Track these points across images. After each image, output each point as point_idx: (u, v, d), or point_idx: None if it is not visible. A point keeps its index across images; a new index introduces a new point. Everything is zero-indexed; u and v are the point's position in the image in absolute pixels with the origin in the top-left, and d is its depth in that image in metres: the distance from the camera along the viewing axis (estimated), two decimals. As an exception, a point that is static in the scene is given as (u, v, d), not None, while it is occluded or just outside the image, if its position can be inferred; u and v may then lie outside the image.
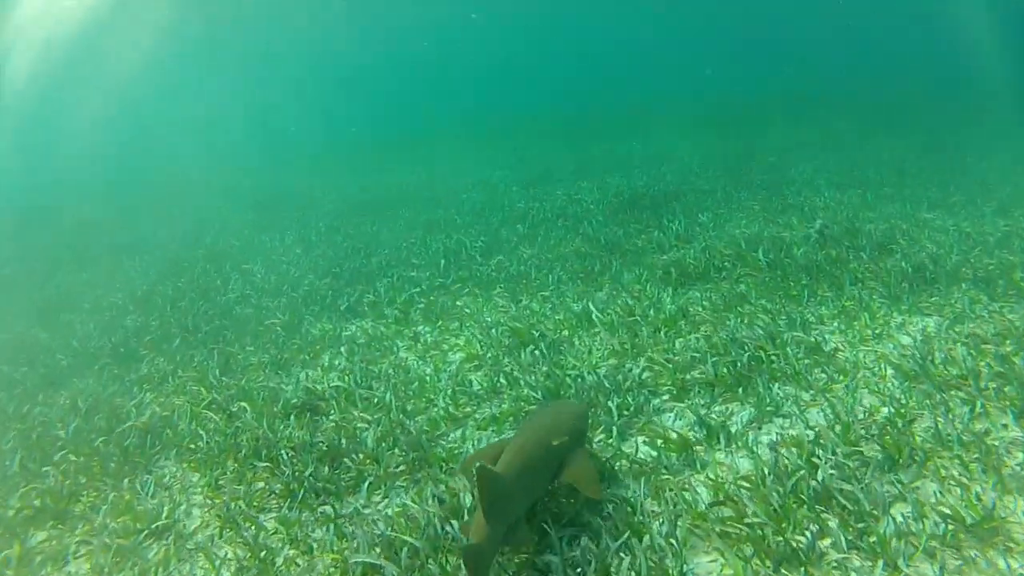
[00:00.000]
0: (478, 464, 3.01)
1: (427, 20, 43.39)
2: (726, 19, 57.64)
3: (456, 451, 4.76)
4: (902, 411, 4.47)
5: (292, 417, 5.59)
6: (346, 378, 6.18)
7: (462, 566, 3.20)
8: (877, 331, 5.83)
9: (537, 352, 6.00)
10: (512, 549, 3.45)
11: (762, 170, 14.27)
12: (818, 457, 4.01)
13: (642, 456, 4.35)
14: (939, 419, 4.31)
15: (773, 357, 5.35)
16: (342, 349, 6.96)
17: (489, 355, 6.20)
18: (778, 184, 12.59)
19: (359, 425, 5.29)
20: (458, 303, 7.90)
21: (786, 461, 4.02)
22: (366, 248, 11.18)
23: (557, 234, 10.08)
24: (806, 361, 5.32)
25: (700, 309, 6.62)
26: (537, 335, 6.28)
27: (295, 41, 49.13)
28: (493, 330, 6.65)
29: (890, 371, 5.09)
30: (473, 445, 4.84)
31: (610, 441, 4.55)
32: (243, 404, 5.89)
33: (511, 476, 3.23)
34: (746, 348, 5.48)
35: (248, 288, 9.81)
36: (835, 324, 6.06)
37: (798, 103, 27.95)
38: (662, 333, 6.06)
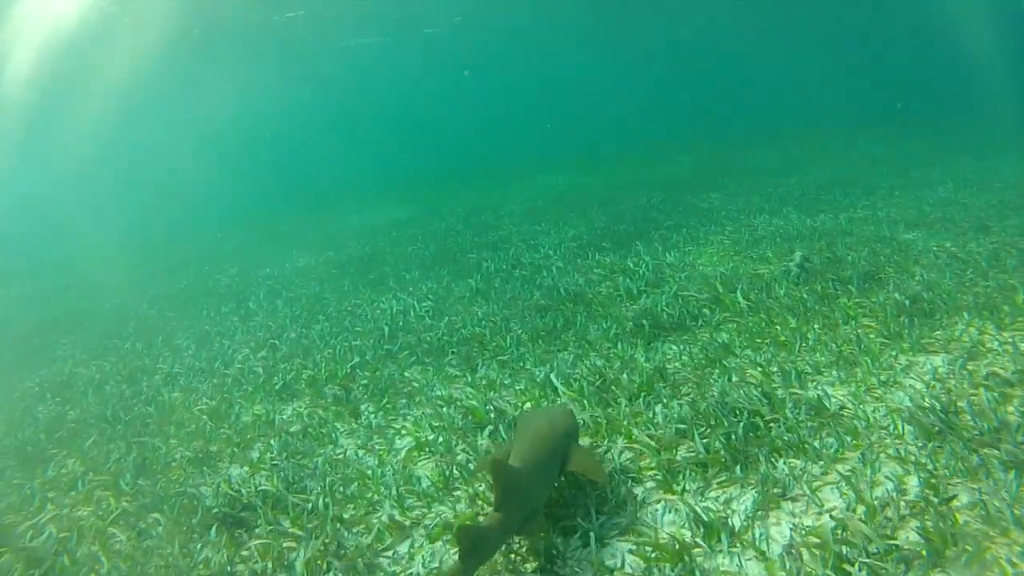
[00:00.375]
0: (491, 457, 3.31)
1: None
2: (685, 59, 59.00)
3: (402, 575, 3.90)
4: (933, 482, 3.75)
5: (212, 531, 4.68)
6: (275, 479, 5.29)
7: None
8: (883, 377, 5.17)
9: (501, 430, 5.18)
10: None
11: (725, 201, 13.84)
12: (848, 561, 3.24)
13: (629, 570, 3.54)
14: (983, 491, 3.59)
15: (771, 423, 4.61)
16: (272, 442, 6.05)
17: (441, 439, 5.36)
18: (744, 213, 12.14)
19: (287, 544, 4.40)
20: (406, 374, 7.06)
21: (809, 570, 3.25)
22: (308, 313, 10.32)
23: (514, 286, 9.34)
24: (810, 424, 4.60)
25: (680, 366, 5.89)
26: (494, 413, 5.46)
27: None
28: (445, 408, 5.81)
29: (908, 428, 4.39)
30: (423, 562, 3.98)
31: (587, 552, 3.73)
32: (156, 516, 4.97)
33: (525, 470, 3.42)
34: (739, 414, 4.73)
35: (178, 366, 8.89)
36: (834, 373, 5.37)
37: (758, 131, 28.15)
38: (640, 400, 5.29)
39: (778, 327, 6.31)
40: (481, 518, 3.59)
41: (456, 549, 3.11)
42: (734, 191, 14.89)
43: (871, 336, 5.93)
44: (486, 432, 5.21)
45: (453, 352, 7.22)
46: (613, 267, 9.34)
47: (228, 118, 53.33)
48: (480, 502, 4.44)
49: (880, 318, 6.22)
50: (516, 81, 64.36)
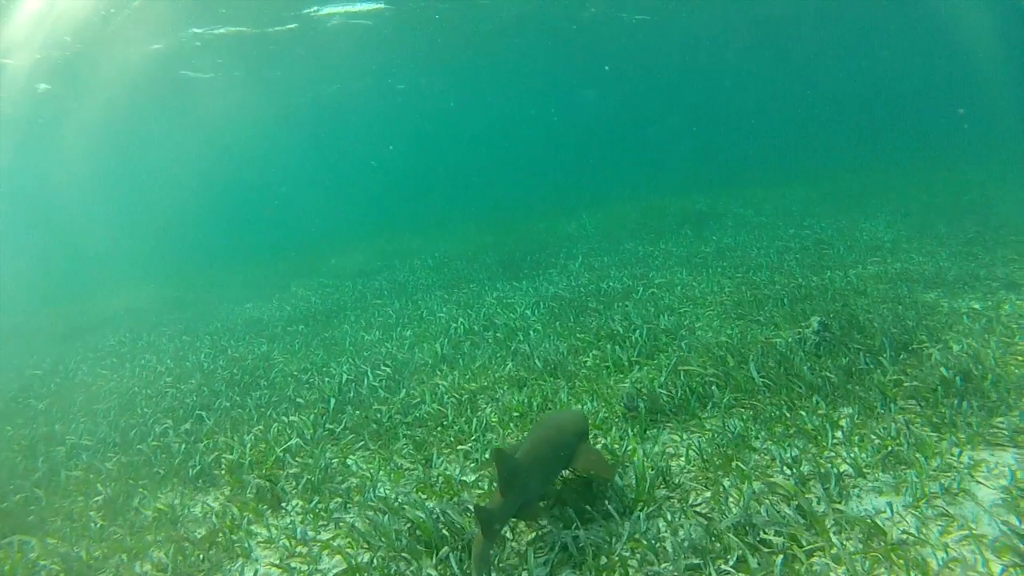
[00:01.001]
0: (495, 446, 4.27)
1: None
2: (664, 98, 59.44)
3: None
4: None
5: None
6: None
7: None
8: (944, 482, 4.12)
9: (452, 560, 4.02)
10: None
11: (719, 255, 12.96)
12: None
13: None
14: None
15: (815, 558, 3.52)
16: (166, 554, 4.83)
17: (377, 562, 4.19)
18: (741, 268, 11.21)
19: None
20: (348, 462, 5.91)
21: None
22: (249, 377, 9.14)
23: (485, 352, 8.24)
24: (863, 560, 3.51)
25: (685, 463, 4.79)
26: (447, 531, 4.30)
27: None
28: (386, 518, 4.64)
29: (997, 567, 3.33)
30: None
31: None
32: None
33: (526, 462, 3.91)
34: (771, 544, 3.64)
35: (88, 437, 7.72)
36: (881, 476, 4.31)
37: (742, 178, 27.66)
38: (638, 513, 4.18)
39: (803, 412, 5.26)
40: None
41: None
42: (728, 245, 14.01)
43: (917, 423, 4.90)
44: (436, 557, 4.04)
45: (406, 435, 6.07)
46: (599, 331, 8.28)
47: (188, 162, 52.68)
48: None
49: (926, 400, 5.20)
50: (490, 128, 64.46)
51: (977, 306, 7.96)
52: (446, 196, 48.57)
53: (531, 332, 8.77)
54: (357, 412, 6.94)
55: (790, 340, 6.88)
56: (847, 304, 8.19)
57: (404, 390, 7.30)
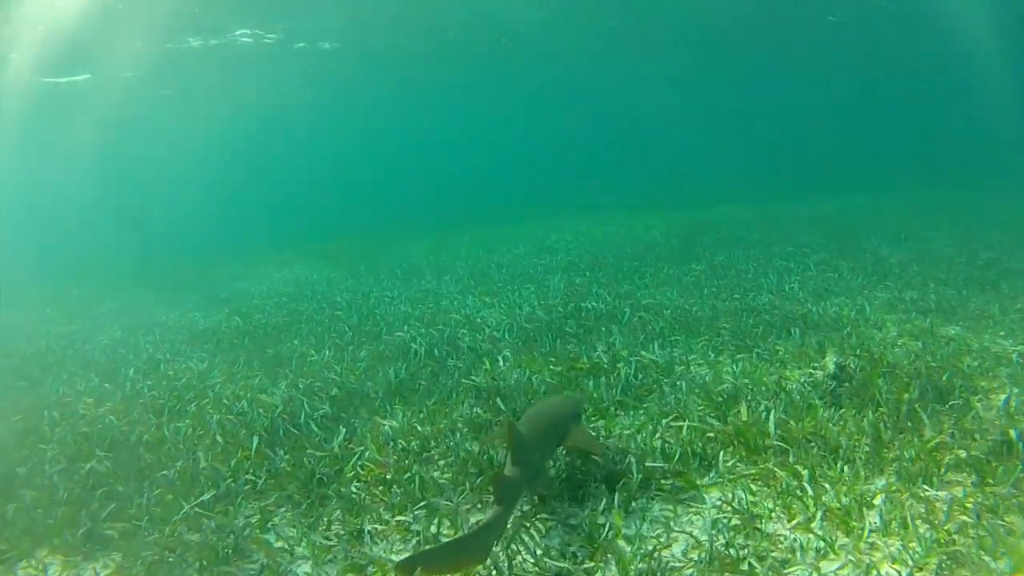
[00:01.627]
0: (507, 421, 4.16)
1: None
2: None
3: None
4: None
5: None
6: None
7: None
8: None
9: None
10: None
11: (712, 273, 12.07)
12: None
13: None
14: None
15: None
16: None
17: None
18: (739, 290, 10.34)
19: None
20: (271, 525, 4.87)
21: None
22: (177, 402, 8.05)
23: (446, 384, 7.22)
24: None
25: (688, 551, 3.82)
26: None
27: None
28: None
29: None
30: None
31: None
32: None
33: (529, 436, 4.16)
34: None
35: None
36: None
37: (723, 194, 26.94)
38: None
39: (826, 485, 4.30)
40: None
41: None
42: (721, 262, 13.13)
43: (971, 500, 3.98)
44: None
45: (339, 498, 5.03)
46: (577, 363, 7.31)
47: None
48: None
49: (982, 469, 4.27)
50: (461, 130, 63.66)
51: (1008, 343, 7.12)
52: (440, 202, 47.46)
53: (500, 359, 7.77)
54: (288, 457, 5.89)
55: (802, 381, 5.95)
56: (863, 339, 7.29)
57: (344, 430, 6.25)
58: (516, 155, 71.33)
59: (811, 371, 6.20)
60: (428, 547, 4.10)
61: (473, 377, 7.20)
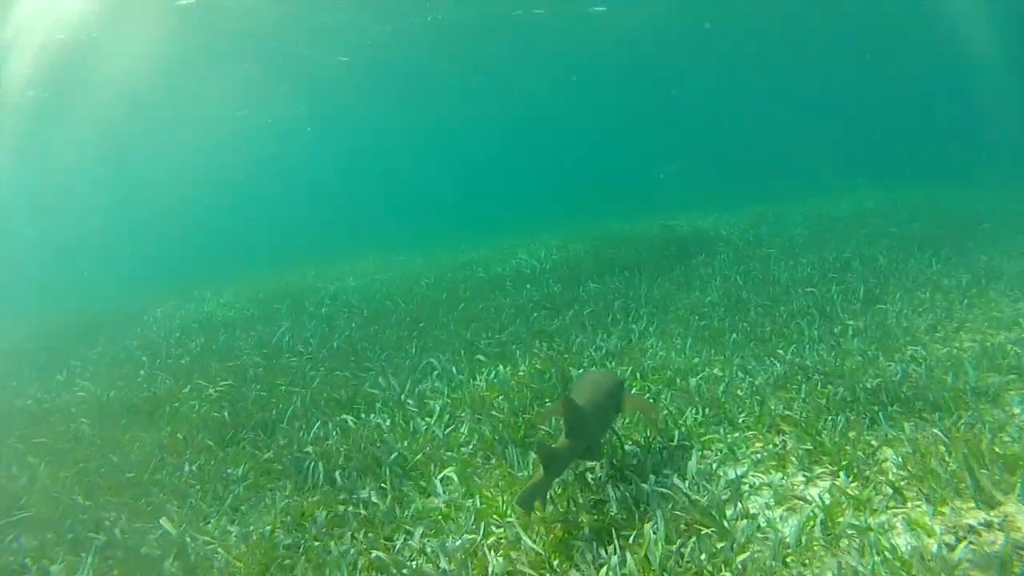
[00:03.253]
0: (565, 396, 4.38)
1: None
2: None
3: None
4: None
5: None
6: None
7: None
8: None
9: None
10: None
11: (728, 304, 9.60)
12: None
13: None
14: None
15: None
16: None
17: None
18: (772, 335, 7.89)
19: None
20: None
21: None
22: None
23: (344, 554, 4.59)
24: None
25: None
26: None
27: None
28: None
29: None
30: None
31: None
32: None
33: (587, 409, 4.55)
34: None
35: None
36: None
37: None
38: None
39: None
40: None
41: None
42: (736, 284, 10.68)
43: None
44: None
45: None
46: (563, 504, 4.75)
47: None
48: None
49: None
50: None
51: None
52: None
53: (439, 481, 5.19)
54: None
55: (938, 551, 3.46)
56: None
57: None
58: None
59: (954, 530, 3.72)
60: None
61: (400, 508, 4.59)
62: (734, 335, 8.25)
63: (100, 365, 11.82)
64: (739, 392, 6.40)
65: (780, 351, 7.45)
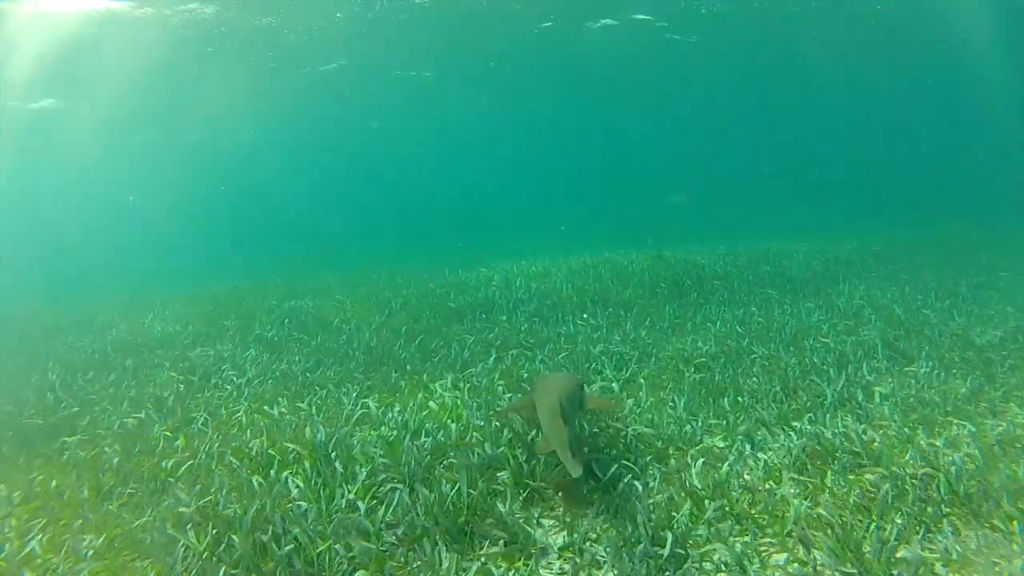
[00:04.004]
0: (555, 399, 4.86)
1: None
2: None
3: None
4: None
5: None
6: None
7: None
8: None
9: None
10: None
11: (740, 358, 8.34)
12: None
13: None
14: None
15: None
16: None
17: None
18: (799, 409, 6.62)
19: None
20: None
21: None
22: None
23: None
24: None
25: None
26: None
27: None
28: None
29: None
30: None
31: None
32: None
33: (563, 401, 4.91)
34: None
35: None
36: None
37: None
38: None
39: None
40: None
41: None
42: (746, 332, 9.43)
43: None
44: None
45: None
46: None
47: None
48: None
49: None
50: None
51: None
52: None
53: None
54: None
55: None
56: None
57: None
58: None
59: None
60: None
61: None
62: (737, 395, 6.96)
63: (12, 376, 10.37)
64: (748, 475, 5.11)
65: (794, 419, 6.18)
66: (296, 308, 14.19)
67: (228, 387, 8.74)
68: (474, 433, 6.08)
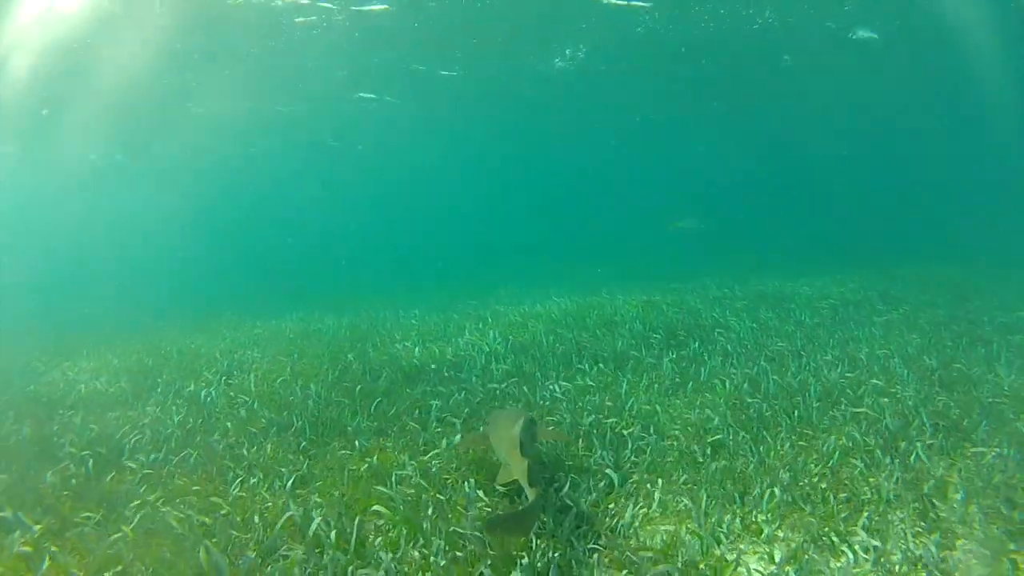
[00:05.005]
0: (515, 433, 5.16)
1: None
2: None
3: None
4: None
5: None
6: None
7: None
8: None
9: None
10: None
11: (762, 443, 6.95)
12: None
13: None
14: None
15: None
16: None
17: None
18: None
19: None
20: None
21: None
22: None
23: None
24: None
25: None
26: None
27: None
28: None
29: None
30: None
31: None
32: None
33: (524, 436, 5.12)
34: None
35: None
36: None
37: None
38: None
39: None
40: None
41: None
42: (764, 402, 8.06)
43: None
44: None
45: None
46: None
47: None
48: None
49: None
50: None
51: None
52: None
53: None
54: None
55: None
56: None
57: None
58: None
59: None
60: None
61: None
62: (769, 486, 5.55)
63: None
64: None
65: (846, 523, 4.79)
66: (243, 359, 12.64)
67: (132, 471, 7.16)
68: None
